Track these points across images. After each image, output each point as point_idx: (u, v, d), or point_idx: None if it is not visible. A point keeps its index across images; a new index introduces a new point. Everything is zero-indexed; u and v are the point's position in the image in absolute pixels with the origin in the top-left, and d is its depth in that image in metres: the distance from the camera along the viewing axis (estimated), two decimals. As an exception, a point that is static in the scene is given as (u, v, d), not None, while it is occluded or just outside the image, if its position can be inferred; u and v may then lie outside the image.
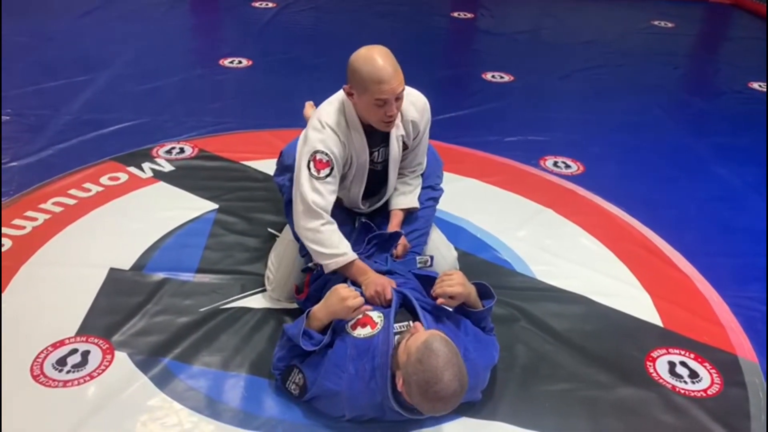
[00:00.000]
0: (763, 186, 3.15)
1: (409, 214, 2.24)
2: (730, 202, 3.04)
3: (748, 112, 4.10)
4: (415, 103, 2.08)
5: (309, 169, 1.94)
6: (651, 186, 3.12)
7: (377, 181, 2.16)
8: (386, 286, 1.87)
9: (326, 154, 1.92)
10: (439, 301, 1.83)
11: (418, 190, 2.26)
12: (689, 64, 5.13)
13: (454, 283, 1.82)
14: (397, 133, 2.07)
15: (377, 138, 2.05)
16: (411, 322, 1.74)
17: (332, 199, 1.97)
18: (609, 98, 4.18)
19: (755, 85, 4.46)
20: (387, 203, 2.25)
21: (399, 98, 1.88)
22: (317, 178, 1.94)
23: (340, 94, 2.01)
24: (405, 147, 2.15)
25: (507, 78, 4.35)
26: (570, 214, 2.79)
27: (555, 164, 3.22)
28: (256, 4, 5.58)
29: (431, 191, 2.32)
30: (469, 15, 5.75)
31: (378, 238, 2.09)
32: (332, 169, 1.94)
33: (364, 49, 1.88)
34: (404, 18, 5.63)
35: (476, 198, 2.89)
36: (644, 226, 2.76)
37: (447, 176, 2.83)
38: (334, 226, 1.98)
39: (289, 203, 2.14)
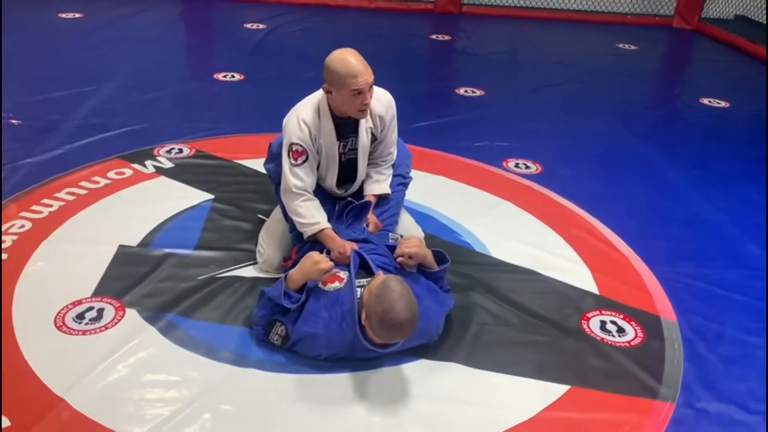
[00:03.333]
0: (702, 184, 3.52)
1: (381, 198, 2.59)
2: (673, 198, 3.40)
3: (696, 124, 4.51)
4: (381, 100, 2.45)
5: (289, 157, 2.34)
6: (602, 184, 3.48)
7: (350, 169, 2.51)
8: (347, 247, 2.24)
9: (300, 145, 2.32)
10: (399, 260, 2.18)
11: (390, 179, 2.62)
12: (648, 82, 5.55)
13: (411, 245, 2.18)
14: (366, 125, 2.44)
15: (347, 129, 2.41)
16: (371, 279, 2.09)
17: (310, 179, 2.36)
18: (572, 111, 4.56)
19: (705, 101, 4.87)
20: (362, 189, 2.61)
21: (371, 87, 2.26)
22: (295, 165, 2.35)
23: (316, 94, 2.39)
24: (374, 138, 2.51)
25: (479, 92, 4.73)
26: (525, 206, 3.15)
27: (516, 165, 3.59)
28: (248, 26, 5.97)
29: (401, 179, 2.68)
30: (447, 37, 6.17)
31: (353, 210, 2.45)
32: (307, 156, 2.34)
33: (336, 52, 2.25)
34: (387, 39, 6.05)
35: (444, 192, 3.24)
36: (592, 216, 3.11)
37: (419, 173, 3.22)
38: (313, 202, 2.36)
39: (278, 186, 2.49)
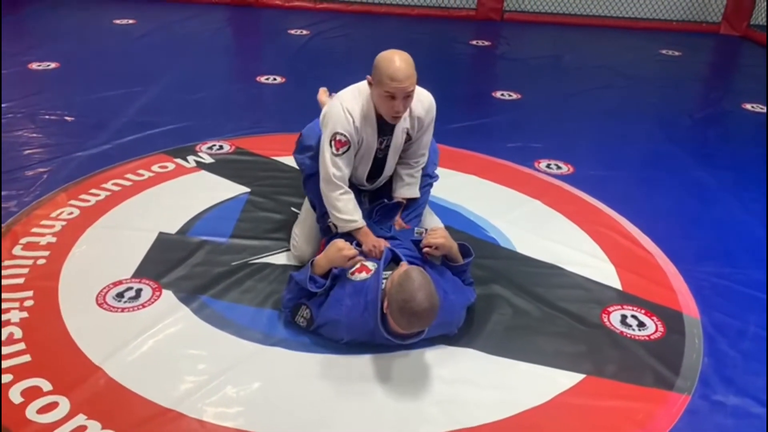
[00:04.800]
0: (736, 187, 3.49)
1: (410, 200, 2.65)
2: (704, 200, 3.38)
3: (736, 128, 4.47)
4: (422, 102, 2.46)
5: (331, 147, 2.35)
6: (633, 184, 3.49)
7: (380, 165, 2.57)
8: (381, 243, 2.32)
9: (344, 135, 2.32)
10: (426, 250, 2.25)
11: (419, 181, 2.65)
12: (689, 87, 5.48)
13: (437, 236, 2.26)
14: (403, 125, 2.46)
15: (386, 128, 2.43)
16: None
17: (348, 170, 2.40)
18: (608, 114, 4.55)
19: (748, 106, 4.80)
20: (390, 187, 2.65)
21: (407, 97, 2.24)
22: (336, 155, 2.35)
23: (361, 85, 2.38)
24: (409, 138, 2.53)
25: (515, 96, 4.78)
26: (554, 205, 3.18)
27: (548, 166, 3.62)
28: (292, 32, 6.14)
29: (428, 178, 2.74)
30: (487, 43, 6.23)
31: (383, 209, 2.52)
32: (349, 147, 2.35)
33: (390, 50, 2.25)
34: (427, 45, 6.14)
35: (473, 189, 3.30)
36: (620, 215, 3.12)
37: (449, 172, 3.31)
38: (350, 195, 2.40)
39: (308, 179, 2.57)
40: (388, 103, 2.24)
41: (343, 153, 2.35)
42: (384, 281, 2.14)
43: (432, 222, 2.74)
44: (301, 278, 2.21)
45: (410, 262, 2.23)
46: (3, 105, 3.97)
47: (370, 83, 2.30)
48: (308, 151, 2.56)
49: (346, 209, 2.38)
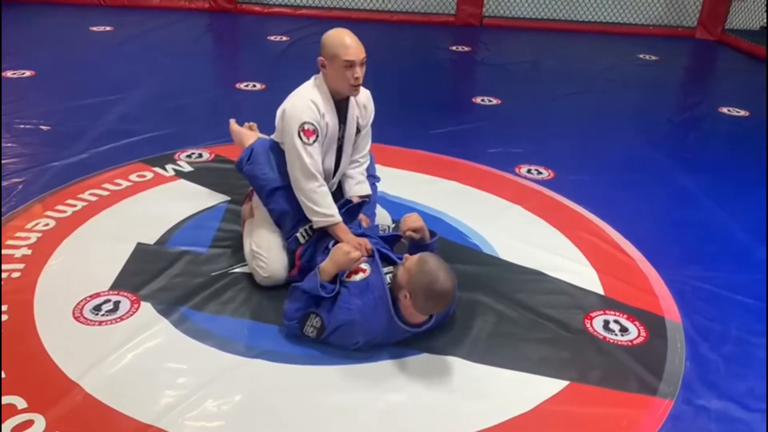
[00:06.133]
0: (716, 190, 3.52)
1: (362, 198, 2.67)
2: (685, 203, 3.41)
3: (714, 132, 4.52)
4: (364, 92, 2.57)
5: (300, 137, 2.36)
6: (614, 189, 3.50)
7: (338, 156, 2.58)
8: (366, 240, 2.35)
9: (311, 124, 2.37)
10: (408, 234, 2.33)
11: (366, 181, 2.73)
12: (667, 91, 5.54)
13: (414, 219, 2.36)
14: (353, 112, 2.53)
15: (342, 114, 2.50)
16: (392, 267, 2.25)
17: (320, 159, 2.42)
18: (588, 119, 4.59)
19: (724, 110, 4.86)
20: (344, 189, 2.67)
21: (362, 65, 2.35)
22: (308, 144, 2.37)
23: (312, 81, 2.48)
24: (358, 130, 2.60)
25: (495, 101, 4.78)
26: (535, 210, 3.19)
27: (528, 171, 3.63)
28: (272, 38, 6.12)
29: (373, 179, 2.81)
30: (467, 48, 6.24)
31: (348, 210, 2.52)
32: (317, 135, 2.39)
33: (334, 29, 2.41)
34: (408, 50, 6.15)
35: (455, 196, 3.29)
36: (602, 220, 3.13)
37: (430, 178, 3.32)
38: (326, 189, 2.42)
39: (273, 192, 2.51)
40: (347, 73, 2.34)
41: (314, 141, 2.39)
42: (388, 276, 2.20)
43: (383, 218, 2.80)
44: (310, 286, 2.19)
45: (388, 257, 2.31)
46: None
47: (323, 65, 2.39)
48: (264, 166, 2.56)
49: (324, 203, 2.39)
